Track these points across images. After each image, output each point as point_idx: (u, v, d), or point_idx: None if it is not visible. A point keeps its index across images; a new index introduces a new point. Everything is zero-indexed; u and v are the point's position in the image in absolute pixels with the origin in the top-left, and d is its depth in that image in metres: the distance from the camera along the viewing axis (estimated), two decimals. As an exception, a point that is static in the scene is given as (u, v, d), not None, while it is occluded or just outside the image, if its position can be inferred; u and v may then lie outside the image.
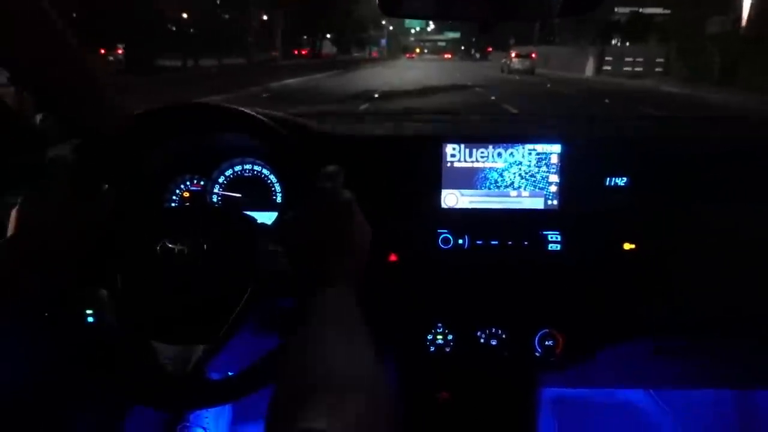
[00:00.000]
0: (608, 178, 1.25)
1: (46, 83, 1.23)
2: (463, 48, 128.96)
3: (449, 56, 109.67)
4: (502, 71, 36.42)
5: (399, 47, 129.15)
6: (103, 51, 27.99)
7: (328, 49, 59.29)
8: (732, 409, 1.83)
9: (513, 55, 36.77)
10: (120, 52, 29.14)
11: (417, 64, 55.40)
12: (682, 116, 1.86)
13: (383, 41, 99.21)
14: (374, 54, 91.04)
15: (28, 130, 1.27)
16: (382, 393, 0.62)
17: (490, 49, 72.11)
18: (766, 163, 1.31)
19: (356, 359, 0.65)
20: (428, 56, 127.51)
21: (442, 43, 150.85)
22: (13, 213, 0.90)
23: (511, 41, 52.92)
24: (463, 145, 1.20)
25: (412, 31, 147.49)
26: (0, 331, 1.04)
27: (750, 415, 1.80)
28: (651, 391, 1.91)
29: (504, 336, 1.26)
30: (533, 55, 36.41)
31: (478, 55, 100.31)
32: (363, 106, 14.25)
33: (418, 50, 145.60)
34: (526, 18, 1.11)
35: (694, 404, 1.86)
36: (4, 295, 0.82)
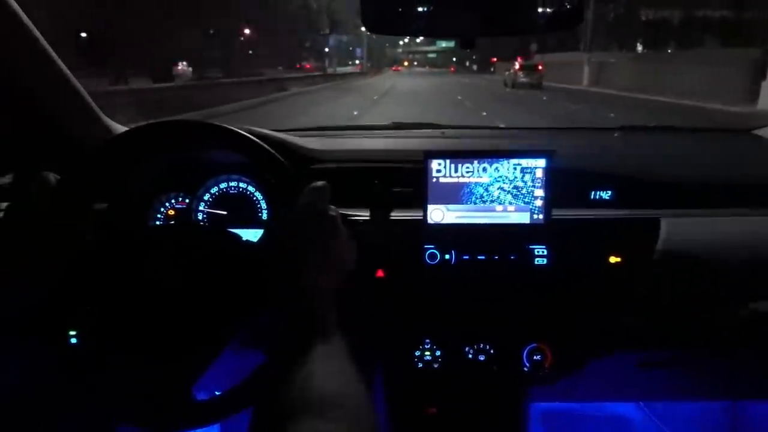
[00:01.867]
0: (593, 192, 1.26)
1: (30, 99, 1.23)
2: (454, 60, 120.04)
3: (453, 70, 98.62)
4: (505, 85, 32.48)
5: (384, 58, 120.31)
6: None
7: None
8: (722, 421, 1.83)
9: (517, 67, 31.79)
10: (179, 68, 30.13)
11: (401, 82, 41.42)
12: (665, 126, 1.87)
13: (359, 51, 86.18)
14: (359, 67, 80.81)
15: (11, 147, 1.26)
16: (365, 411, 0.62)
17: (495, 59, 56.94)
18: (751, 172, 1.33)
19: (339, 377, 0.65)
20: (418, 69, 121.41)
21: (433, 55, 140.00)
22: None
23: (533, 47, 42.85)
24: (448, 161, 1.20)
25: (401, 42, 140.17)
26: None
27: (741, 426, 1.80)
28: (641, 403, 1.91)
29: (492, 351, 1.25)
30: (540, 67, 31.62)
31: (475, 67, 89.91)
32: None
33: (406, 63, 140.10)
34: (510, 33, 1.12)
35: (685, 416, 1.86)
36: None
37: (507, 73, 33.69)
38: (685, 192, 1.28)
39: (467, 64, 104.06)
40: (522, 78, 30.19)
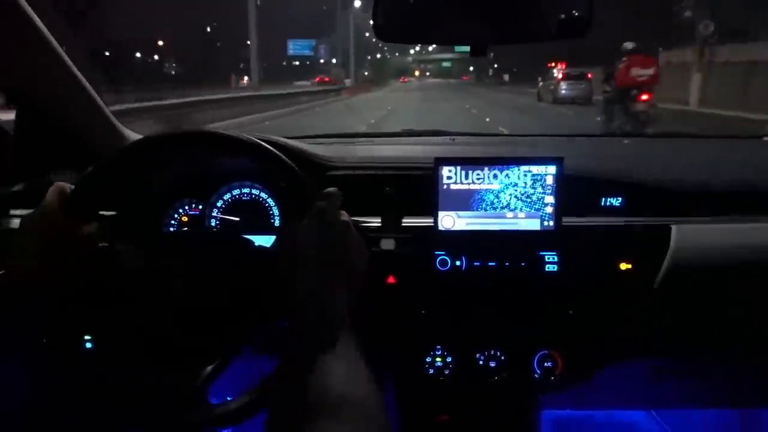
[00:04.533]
0: (603, 198, 1.26)
1: (48, 108, 1.25)
2: (471, 69, 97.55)
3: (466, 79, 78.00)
4: (539, 99, 25.32)
5: (387, 68, 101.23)
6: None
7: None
8: (735, 430, 1.82)
9: (560, 76, 24.06)
10: (244, 81, 33.64)
11: (401, 105, 26.50)
12: (676, 134, 1.87)
13: (323, 50, 62.69)
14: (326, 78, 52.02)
15: (27, 156, 1.28)
16: (378, 412, 0.62)
17: (553, 63, 30.40)
18: (763, 179, 1.32)
19: (351, 379, 0.65)
20: (431, 80, 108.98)
21: (447, 63, 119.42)
22: (12, 238, 0.90)
23: (627, 46, 11.02)
24: (458, 167, 1.21)
25: (411, 51, 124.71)
26: None
27: None
28: (652, 411, 1.90)
29: (503, 358, 1.25)
30: (589, 76, 23.42)
31: (507, 77, 63.56)
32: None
33: (417, 72, 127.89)
34: (520, 41, 1.12)
35: (696, 424, 1.85)
36: (2, 320, 0.82)
37: (541, 83, 26.01)
38: (696, 199, 1.28)
39: (490, 73, 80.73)
40: (564, 90, 23.27)
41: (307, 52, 64.81)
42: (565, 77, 23.59)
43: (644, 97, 10.53)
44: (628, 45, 10.80)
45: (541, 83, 25.66)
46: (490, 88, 52.03)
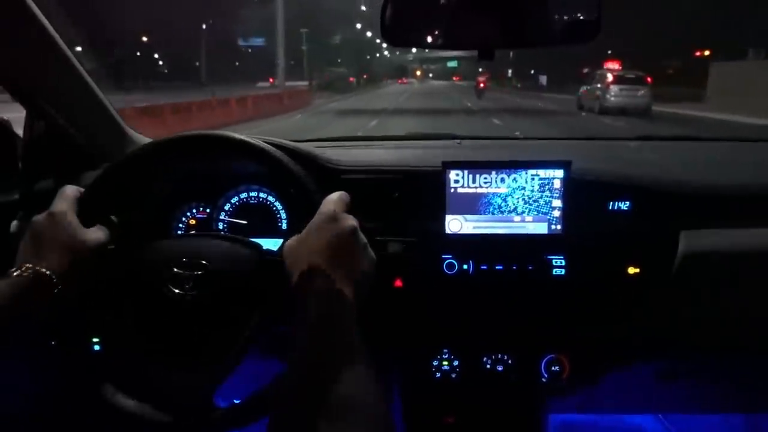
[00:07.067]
0: (611, 202, 1.26)
1: (56, 111, 1.26)
2: (481, 70, 77.21)
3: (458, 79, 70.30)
4: (581, 108, 21.29)
5: (375, 66, 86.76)
6: (271, 80, 41.83)
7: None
8: None
9: (610, 78, 19.61)
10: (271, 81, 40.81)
11: None
12: (682, 136, 1.87)
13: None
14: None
15: (38, 159, 1.28)
16: (382, 416, 0.62)
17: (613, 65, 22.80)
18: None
19: (356, 383, 0.66)
20: (434, 82, 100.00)
21: (453, 63, 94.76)
22: (21, 240, 0.90)
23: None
24: (466, 171, 1.21)
25: (413, 50, 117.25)
26: (6, 359, 1.05)
27: None
28: (660, 415, 1.89)
29: (510, 361, 1.25)
30: (649, 80, 19.65)
31: (544, 80, 45.65)
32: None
33: (419, 73, 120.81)
34: (528, 46, 1.12)
35: (703, 428, 1.84)
36: (11, 322, 0.82)
37: (586, 88, 21.55)
38: (704, 203, 1.28)
39: (509, 74, 62.89)
40: (614, 97, 18.98)
41: (259, 43, 61.64)
42: (617, 80, 19.33)
43: (481, 85, 31.77)
44: (480, 69, 40.84)
45: (584, 88, 21.65)
46: (524, 96, 34.95)
